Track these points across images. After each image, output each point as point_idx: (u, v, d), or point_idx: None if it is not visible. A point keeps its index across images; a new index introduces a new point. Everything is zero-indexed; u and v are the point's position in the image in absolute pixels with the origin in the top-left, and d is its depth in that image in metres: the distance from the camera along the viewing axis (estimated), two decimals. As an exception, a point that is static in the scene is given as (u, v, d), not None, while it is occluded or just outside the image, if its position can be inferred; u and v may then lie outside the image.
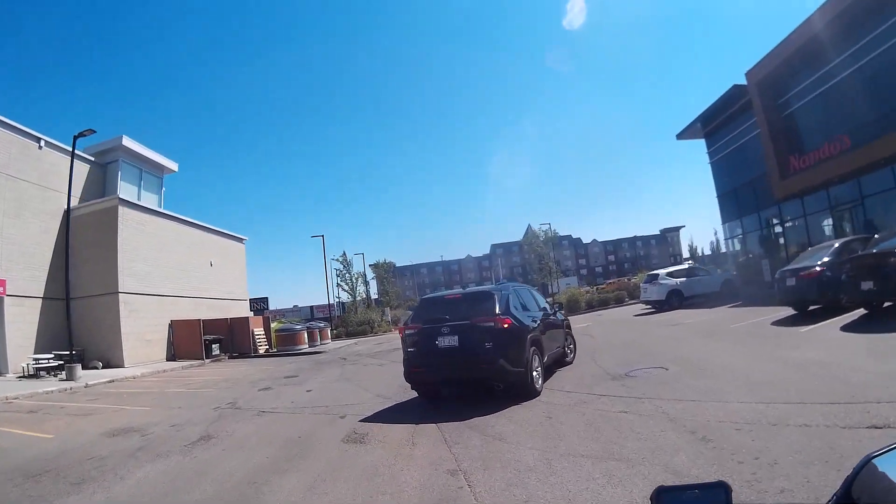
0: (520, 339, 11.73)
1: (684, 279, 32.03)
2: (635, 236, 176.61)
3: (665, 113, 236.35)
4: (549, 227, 66.10)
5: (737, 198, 41.58)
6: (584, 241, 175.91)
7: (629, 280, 60.92)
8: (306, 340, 36.87)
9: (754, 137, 37.07)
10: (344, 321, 54.24)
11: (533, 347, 12.04)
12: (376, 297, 70.95)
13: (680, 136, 46.79)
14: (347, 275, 60.49)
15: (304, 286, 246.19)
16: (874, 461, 1.46)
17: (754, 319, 19.57)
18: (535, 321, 13.02)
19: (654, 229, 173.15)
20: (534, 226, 65.46)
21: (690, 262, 45.92)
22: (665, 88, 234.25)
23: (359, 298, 60.66)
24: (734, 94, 37.32)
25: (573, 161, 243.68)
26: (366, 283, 69.29)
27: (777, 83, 33.10)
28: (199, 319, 34.83)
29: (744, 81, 35.92)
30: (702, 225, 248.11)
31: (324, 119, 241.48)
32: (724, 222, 44.99)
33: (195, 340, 34.12)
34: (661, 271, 33.14)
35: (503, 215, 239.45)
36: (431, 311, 12.55)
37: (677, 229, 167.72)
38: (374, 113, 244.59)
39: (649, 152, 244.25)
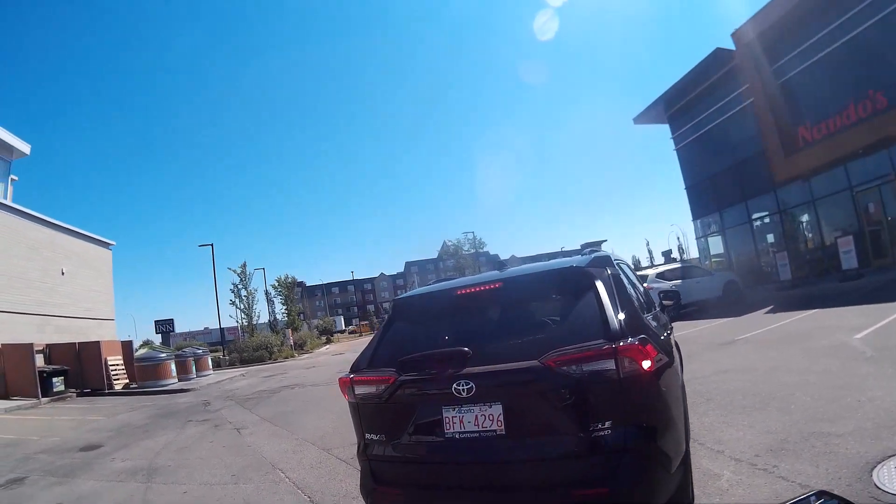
0: (672, 398, 4.50)
1: (680, 281, 24.07)
2: (551, 252, 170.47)
3: (586, 114, 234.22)
4: (474, 236, 58.10)
5: (714, 187, 35.92)
6: (503, 258, 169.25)
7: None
8: (174, 372, 28.18)
9: (740, 112, 32.52)
10: (238, 346, 46.21)
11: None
12: (283, 317, 61.68)
13: (638, 119, 40.75)
14: (244, 291, 50.55)
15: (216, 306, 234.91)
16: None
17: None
18: (669, 340, 5.81)
19: (574, 243, 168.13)
20: (449, 240, 57.08)
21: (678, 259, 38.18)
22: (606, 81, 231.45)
23: (257, 320, 51.37)
24: (714, 62, 32.09)
25: (490, 173, 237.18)
26: (269, 301, 62.06)
27: (775, 42, 28.13)
28: (30, 343, 24.94)
29: (727, 45, 31.14)
30: (629, 235, 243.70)
31: (223, 116, 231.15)
32: (695, 218, 39.33)
33: (29, 372, 24.51)
34: (650, 271, 25.43)
35: (416, 232, 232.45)
36: (422, 332, 5.25)
37: (599, 243, 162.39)
38: (279, 119, 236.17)
39: (573, 158, 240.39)
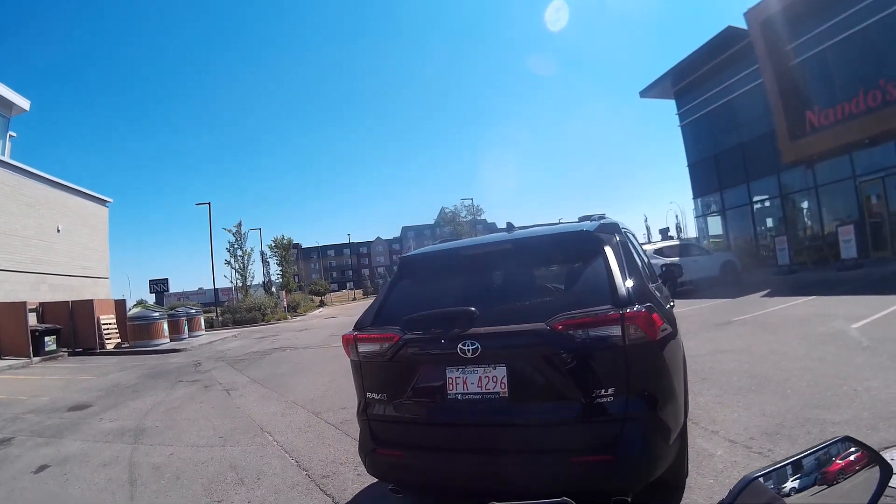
0: (674, 369, 4.47)
1: (678, 258, 23.28)
2: (549, 223, 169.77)
3: (593, 91, 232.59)
4: (472, 203, 56.50)
5: (717, 167, 35.45)
6: (499, 226, 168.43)
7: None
8: (166, 332, 27.74)
9: (748, 92, 31.92)
10: (231, 307, 45.66)
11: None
12: (278, 278, 61.02)
13: (644, 93, 40.22)
14: (239, 251, 49.87)
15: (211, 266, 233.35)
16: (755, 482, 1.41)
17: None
18: (672, 312, 5.50)
19: (572, 215, 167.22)
20: (447, 207, 55.41)
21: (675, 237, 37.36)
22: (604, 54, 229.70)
23: (251, 281, 50.72)
24: (725, 40, 31.45)
25: (491, 143, 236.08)
26: (264, 262, 60.97)
27: (789, 24, 27.23)
28: (23, 302, 24.79)
29: (739, 24, 30.38)
30: (627, 211, 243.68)
31: (225, 79, 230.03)
32: (695, 197, 39.00)
33: (21, 331, 24.28)
34: (649, 247, 25.01)
35: (414, 197, 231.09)
36: (428, 292, 5.18)
37: (600, 217, 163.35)
38: (281, 79, 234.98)
39: (575, 132, 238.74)
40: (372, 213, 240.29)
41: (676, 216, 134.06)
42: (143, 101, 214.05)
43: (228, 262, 49.63)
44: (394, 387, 4.61)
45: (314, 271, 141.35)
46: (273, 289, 57.03)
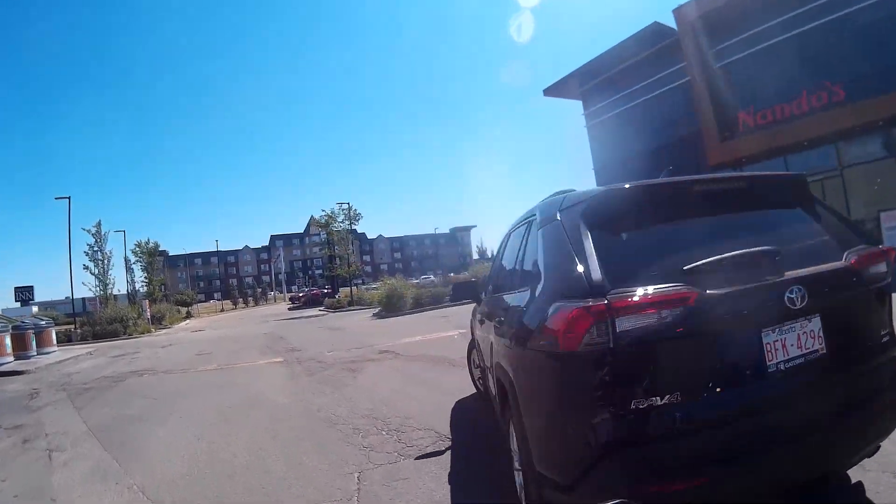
0: None
1: None
2: (424, 234, 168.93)
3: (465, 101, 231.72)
4: (350, 207, 52.07)
5: (626, 171, 32.45)
6: (370, 236, 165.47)
7: (456, 275, 52.07)
8: (8, 349, 22.34)
9: (669, 92, 30.88)
10: (90, 319, 39.71)
11: None
12: (143, 287, 55.51)
13: (549, 91, 38.10)
14: (99, 254, 44.23)
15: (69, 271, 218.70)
16: None
17: None
18: None
19: (444, 227, 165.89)
20: (320, 212, 51.21)
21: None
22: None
23: (113, 289, 45.23)
24: (648, 37, 29.87)
25: (363, 151, 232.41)
26: (128, 269, 54.73)
27: (723, 23, 26.34)
28: None
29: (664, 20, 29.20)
30: (500, 224, 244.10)
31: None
32: None
33: None
34: None
35: (282, 205, 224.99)
36: (651, 238, 3.62)
37: (468, 228, 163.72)
38: (148, 66, 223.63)
39: (443, 143, 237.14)
40: (239, 222, 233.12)
41: None
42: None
43: (87, 268, 43.46)
44: (686, 376, 3.12)
45: (181, 280, 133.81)
46: (137, 298, 51.28)
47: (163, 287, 62.03)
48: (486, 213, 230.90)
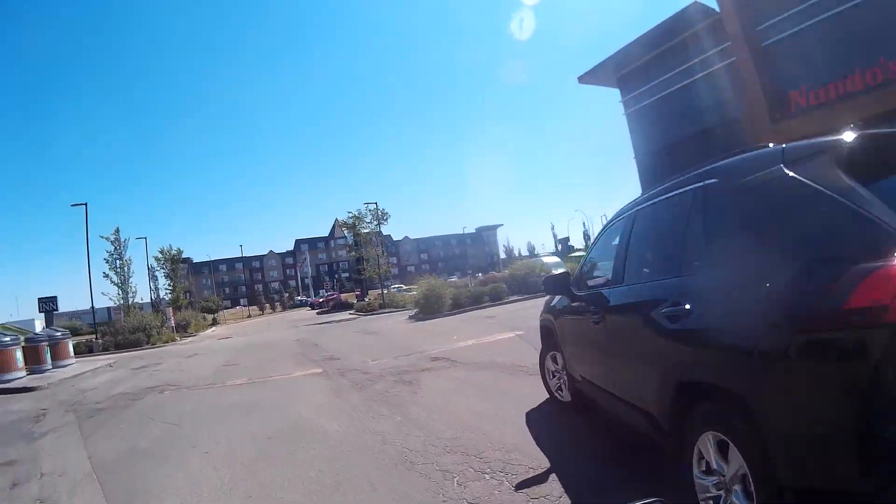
0: None
1: None
2: (450, 234, 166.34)
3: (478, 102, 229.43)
4: (377, 207, 50.03)
5: (672, 158, 31.22)
6: (395, 238, 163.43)
7: (499, 271, 50.41)
8: (20, 363, 20.49)
9: (711, 75, 29.46)
10: (113, 328, 38.16)
11: None
12: (167, 294, 53.96)
13: (584, 79, 36.85)
14: (119, 261, 42.34)
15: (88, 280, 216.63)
16: None
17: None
18: None
19: (469, 227, 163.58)
20: (348, 213, 49.30)
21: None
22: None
23: (134, 297, 43.32)
24: (687, 18, 28.79)
25: (386, 153, 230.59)
26: (152, 276, 53.79)
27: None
28: None
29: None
30: (525, 222, 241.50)
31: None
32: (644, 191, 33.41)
33: None
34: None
35: (307, 209, 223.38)
36: None
37: (494, 228, 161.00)
38: (166, 77, 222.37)
39: (468, 147, 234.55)
40: (264, 227, 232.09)
41: (584, 223, 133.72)
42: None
43: (107, 276, 41.75)
44: None
45: (206, 287, 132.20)
46: (162, 306, 49.82)
47: (187, 294, 60.53)
48: (512, 211, 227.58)
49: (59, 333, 24.88)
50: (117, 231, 42.72)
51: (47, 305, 39.66)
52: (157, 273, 54.22)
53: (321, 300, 72.08)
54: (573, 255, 53.91)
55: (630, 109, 35.05)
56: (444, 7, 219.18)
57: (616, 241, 5.63)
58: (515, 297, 32.11)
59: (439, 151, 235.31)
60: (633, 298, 4.69)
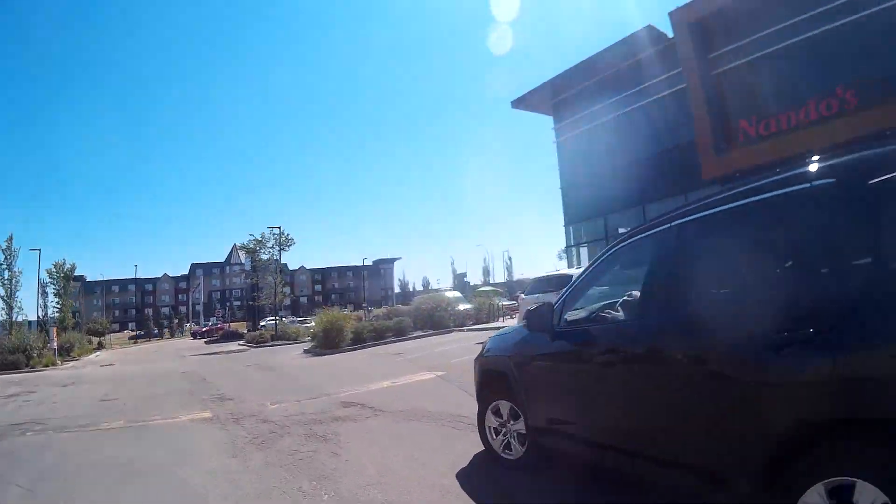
0: None
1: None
2: (347, 265, 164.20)
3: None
4: (281, 232, 47.90)
5: (600, 188, 31.41)
6: (291, 268, 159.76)
7: (392, 306, 48.97)
8: None
9: (655, 102, 29.01)
10: None
11: None
12: (56, 313, 50.53)
13: (517, 104, 35.84)
14: (7, 272, 38.88)
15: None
16: None
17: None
18: None
19: (368, 259, 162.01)
20: (248, 237, 47.28)
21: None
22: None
23: (18, 314, 39.85)
24: (637, 42, 28.24)
25: (283, 180, 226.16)
26: (44, 293, 50.88)
27: (725, 27, 25.03)
28: None
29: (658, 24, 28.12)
30: (422, 256, 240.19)
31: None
32: (568, 224, 34.42)
33: None
34: (574, 270, 20.93)
35: (203, 233, 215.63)
36: None
37: (392, 261, 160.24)
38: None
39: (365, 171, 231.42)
40: (159, 247, 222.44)
41: (485, 259, 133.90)
42: None
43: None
44: None
45: (96, 308, 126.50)
46: (48, 326, 45.56)
47: (76, 314, 57.03)
48: (410, 245, 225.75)
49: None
50: (10, 239, 39.97)
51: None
52: (48, 289, 50.86)
53: (204, 329, 68.84)
54: (483, 289, 53.14)
55: (562, 137, 34.30)
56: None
57: (628, 269, 5.48)
58: (420, 333, 30.63)
59: (337, 179, 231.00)
60: (710, 331, 3.78)
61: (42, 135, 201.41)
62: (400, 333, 30.01)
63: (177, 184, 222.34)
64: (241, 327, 64.41)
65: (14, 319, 38.83)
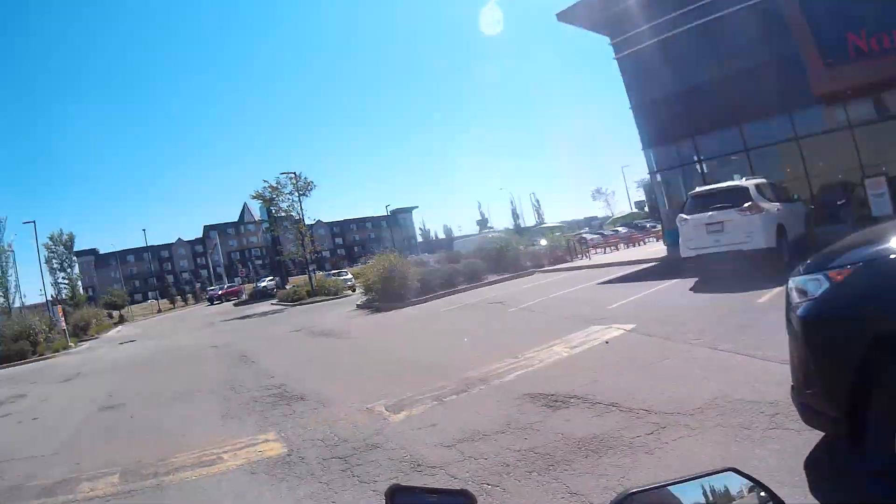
0: None
1: (779, 206, 15.96)
2: (364, 217, 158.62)
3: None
4: (298, 175, 41.66)
5: (687, 107, 25.84)
6: (308, 223, 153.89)
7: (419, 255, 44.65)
8: None
9: (736, 13, 23.54)
10: None
11: None
12: (66, 289, 45.55)
13: (564, 16, 29.42)
14: None
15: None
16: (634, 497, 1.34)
17: None
18: None
19: (383, 210, 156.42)
20: (264, 182, 41.31)
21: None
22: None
23: (15, 295, 34.30)
24: None
25: (295, 131, 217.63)
26: (51, 270, 46.23)
27: None
28: None
29: None
30: (438, 204, 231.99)
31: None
32: (648, 147, 28.53)
33: None
34: (746, 181, 16.28)
35: (214, 193, 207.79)
36: None
37: (409, 210, 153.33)
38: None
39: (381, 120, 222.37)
40: (170, 215, 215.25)
41: (511, 202, 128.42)
42: None
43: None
44: None
45: (115, 280, 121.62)
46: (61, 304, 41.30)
47: (89, 290, 51.94)
48: (425, 193, 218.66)
49: None
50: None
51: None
52: (53, 265, 46.31)
53: (220, 292, 63.56)
54: (544, 226, 49.22)
55: (626, 51, 28.47)
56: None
57: None
58: (495, 277, 26.17)
59: (346, 127, 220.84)
60: None
61: (35, 105, 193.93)
62: (472, 279, 25.59)
63: (181, 143, 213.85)
64: (249, 289, 60.56)
65: (11, 302, 32.73)
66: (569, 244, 31.73)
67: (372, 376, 9.11)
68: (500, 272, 26.79)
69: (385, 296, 22.63)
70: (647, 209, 58.22)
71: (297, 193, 41.51)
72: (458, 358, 9.52)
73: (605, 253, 33.18)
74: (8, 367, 25.23)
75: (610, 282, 18.25)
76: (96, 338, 35.16)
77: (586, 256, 30.80)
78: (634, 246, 36.39)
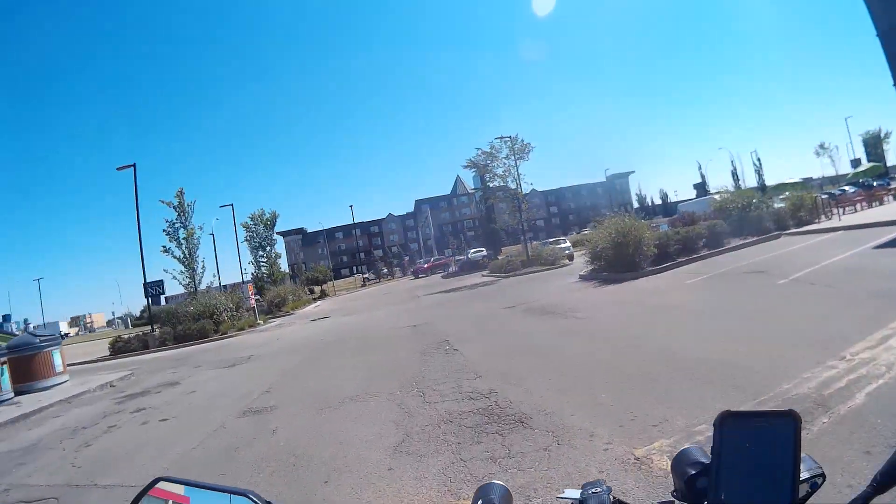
0: None
1: None
2: (579, 184, 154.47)
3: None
4: (514, 139, 39.17)
5: None
6: (525, 189, 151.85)
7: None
8: None
9: None
10: (175, 317, 29.48)
11: None
12: (265, 267, 47.01)
13: None
14: (182, 231, 32.84)
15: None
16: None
17: None
18: None
19: (599, 176, 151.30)
20: (464, 177, 40.36)
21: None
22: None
23: (202, 275, 33.82)
24: None
25: (505, 106, 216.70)
26: (254, 248, 47.17)
27: None
28: None
29: None
30: (654, 171, 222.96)
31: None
32: None
33: None
34: None
35: (425, 167, 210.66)
36: None
37: (626, 175, 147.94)
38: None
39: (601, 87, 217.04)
40: (379, 191, 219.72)
41: (731, 162, 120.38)
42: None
43: (166, 249, 32.50)
44: None
45: (321, 257, 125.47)
46: (261, 284, 43.42)
47: (294, 267, 52.71)
48: (640, 157, 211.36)
49: (39, 341, 17.10)
50: (180, 193, 33.74)
51: (154, 289, 30.89)
52: (254, 245, 47.90)
53: (426, 266, 62.53)
54: (785, 183, 44.76)
55: None
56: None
57: None
58: (739, 241, 23.44)
59: (568, 96, 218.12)
60: None
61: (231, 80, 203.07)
62: (713, 244, 22.86)
63: (390, 128, 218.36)
64: (452, 263, 59.73)
65: (198, 283, 32.45)
66: (816, 203, 27.58)
67: (625, 383, 6.14)
68: (743, 236, 24.31)
69: (615, 264, 20.30)
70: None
71: (513, 157, 39.12)
72: (746, 354, 6.70)
73: (846, 214, 28.54)
74: (187, 345, 25.96)
75: (888, 245, 15.14)
76: (291, 314, 35.61)
77: (833, 217, 26.84)
78: (873, 206, 31.83)
